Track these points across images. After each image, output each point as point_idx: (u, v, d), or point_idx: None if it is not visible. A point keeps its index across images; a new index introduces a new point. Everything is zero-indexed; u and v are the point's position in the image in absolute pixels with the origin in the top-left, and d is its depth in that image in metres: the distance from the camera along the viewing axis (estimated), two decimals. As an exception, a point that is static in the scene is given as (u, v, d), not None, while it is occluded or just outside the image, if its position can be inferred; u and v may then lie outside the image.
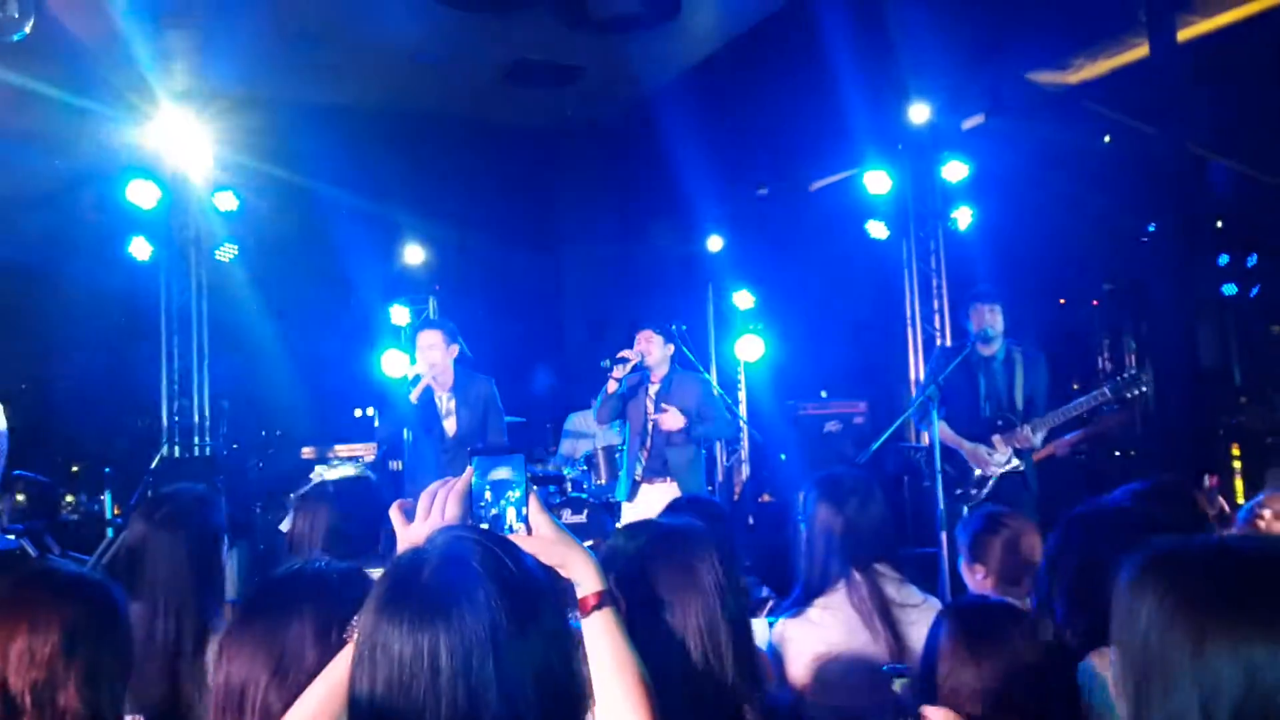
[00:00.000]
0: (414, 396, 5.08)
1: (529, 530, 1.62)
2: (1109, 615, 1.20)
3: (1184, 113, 6.83)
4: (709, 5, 7.59)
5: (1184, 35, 7.17)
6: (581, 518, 6.14)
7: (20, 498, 6.44)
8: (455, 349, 5.32)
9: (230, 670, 1.64)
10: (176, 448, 8.10)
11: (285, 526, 3.05)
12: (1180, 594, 1.11)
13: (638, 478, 5.40)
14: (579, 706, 1.39)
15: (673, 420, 5.28)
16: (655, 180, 9.16)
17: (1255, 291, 8.56)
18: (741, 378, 9.32)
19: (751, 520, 7.72)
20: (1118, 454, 8.62)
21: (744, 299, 8.81)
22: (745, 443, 9.06)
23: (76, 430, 8.45)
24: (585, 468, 6.58)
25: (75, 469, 8.47)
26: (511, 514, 1.65)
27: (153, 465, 7.17)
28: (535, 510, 1.62)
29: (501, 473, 1.67)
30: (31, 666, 1.72)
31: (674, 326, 5.75)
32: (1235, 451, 7.38)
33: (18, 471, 6.24)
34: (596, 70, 8.49)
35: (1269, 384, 8.77)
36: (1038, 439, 5.09)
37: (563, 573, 1.62)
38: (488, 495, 1.66)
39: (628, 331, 5.62)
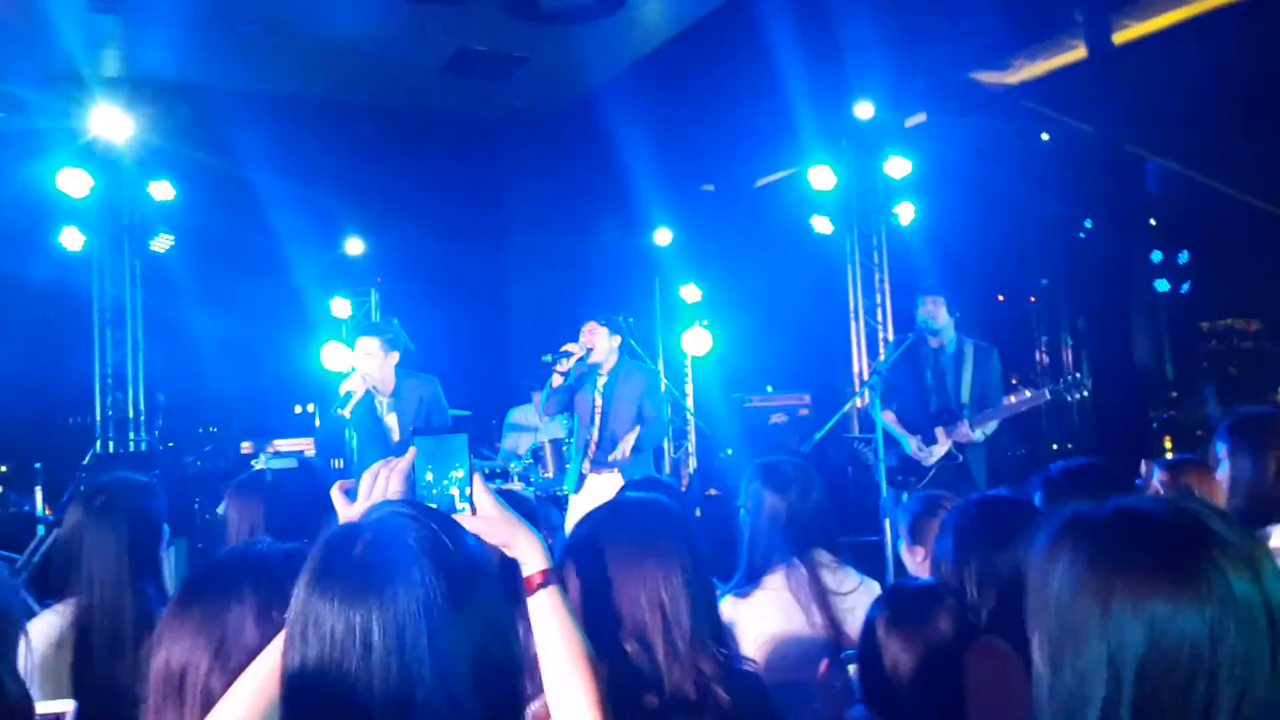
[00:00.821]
0: (346, 413, 4.99)
1: (473, 510, 1.60)
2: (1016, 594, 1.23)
3: (1119, 113, 6.99)
4: (655, 0, 7.59)
5: (1120, 38, 7.35)
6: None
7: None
8: (395, 355, 5.23)
9: (170, 654, 1.60)
10: (111, 443, 7.90)
11: (221, 510, 2.99)
12: (1087, 556, 1.15)
13: (585, 470, 5.37)
14: (516, 685, 1.37)
15: (623, 449, 5.22)
16: (601, 173, 9.14)
17: (1187, 288, 8.80)
18: (689, 371, 9.35)
19: (699, 512, 7.74)
20: (1055, 447, 8.82)
21: (690, 293, 8.84)
22: (692, 435, 9.09)
23: (5, 427, 8.19)
24: (531, 461, 6.54)
25: (3, 468, 8.22)
26: (455, 493, 1.63)
27: (85, 461, 6.98)
28: (479, 490, 1.60)
29: (444, 452, 1.64)
30: None
31: (621, 318, 5.72)
32: (1168, 444, 7.58)
33: None
34: (542, 61, 8.45)
35: (1199, 379, 9.03)
36: (978, 434, 5.17)
37: (508, 552, 1.61)
38: (430, 475, 1.64)
39: (573, 324, 5.58)
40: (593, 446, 5.35)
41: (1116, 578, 1.11)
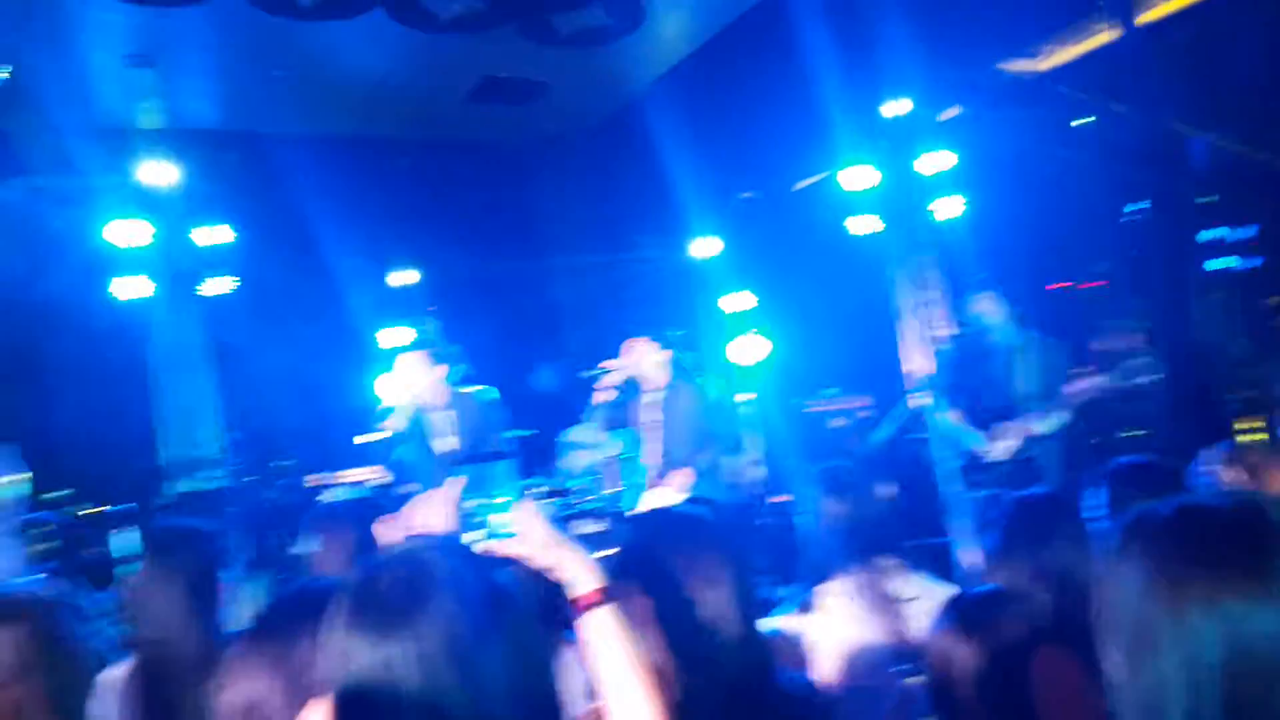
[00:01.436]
0: (391, 424, 5.03)
1: (519, 535, 1.62)
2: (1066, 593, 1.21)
3: (1155, 91, 6.85)
4: (675, 12, 7.61)
5: (1155, 14, 7.21)
6: (603, 525, 6.07)
7: (43, 543, 6.43)
8: (442, 369, 5.26)
9: (239, 691, 1.62)
10: (186, 483, 8.07)
11: (303, 549, 3.05)
12: (1155, 559, 1.13)
13: (650, 485, 5.36)
14: (552, 716, 1.37)
15: (679, 489, 5.15)
16: (639, 188, 9.17)
17: (1256, 263, 8.56)
18: (743, 380, 9.30)
19: (764, 521, 7.69)
20: (1132, 434, 8.59)
21: (739, 301, 8.80)
22: (753, 444, 9.03)
23: (82, 473, 8.42)
24: (594, 477, 6.56)
25: (84, 511, 8.45)
26: (501, 520, 1.64)
27: (164, 501, 7.15)
28: (526, 515, 1.61)
29: (489, 479, 1.66)
30: None
31: (670, 333, 5.71)
32: (1244, 425, 7.37)
33: (39, 514, 6.25)
34: (565, 84, 8.52)
35: (1269, 357, 8.77)
36: (1043, 426, 5.06)
37: (556, 575, 1.62)
38: (476, 502, 1.66)
39: (625, 340, 5.55)
40: (655, 460, 5.33)
41: (1187, 579, 1.09)
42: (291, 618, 1.68)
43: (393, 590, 1.28)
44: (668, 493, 5.21)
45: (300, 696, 1.54)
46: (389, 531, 1.73)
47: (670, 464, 5.26)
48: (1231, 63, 7.09)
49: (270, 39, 7.32)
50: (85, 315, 7.88)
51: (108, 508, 7.19)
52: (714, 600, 1.77)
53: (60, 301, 7.65)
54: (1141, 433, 7.74)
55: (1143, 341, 7.31)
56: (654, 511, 1.97)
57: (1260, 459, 2.64)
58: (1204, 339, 6.69)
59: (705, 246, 9.16)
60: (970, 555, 2.92)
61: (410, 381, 5.10)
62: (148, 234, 7.77)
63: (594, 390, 5.26)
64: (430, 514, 1.66)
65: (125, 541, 6.43)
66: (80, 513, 7.70)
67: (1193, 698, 1.06)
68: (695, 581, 1.76)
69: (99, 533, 6.83)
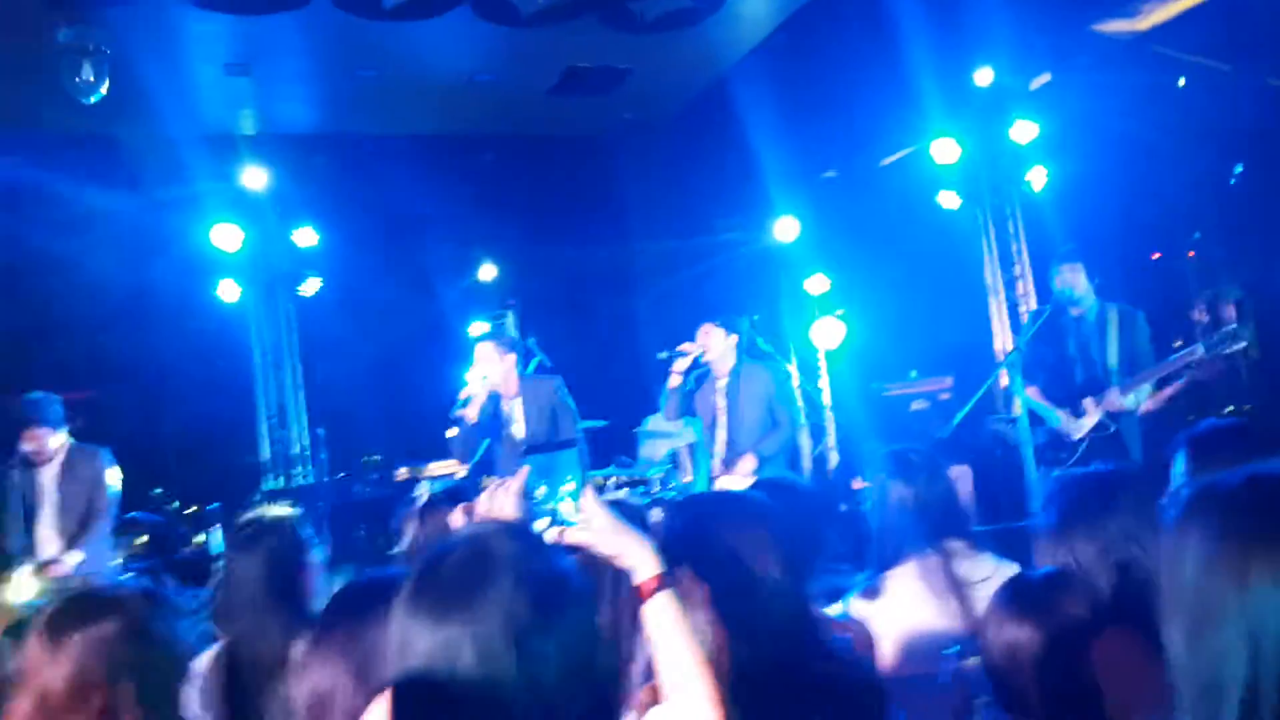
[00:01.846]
0: (468, 414, 5.18)
1: (585, 522, 1.66)
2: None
3: (1260, 48, 6.51)
4: (754, -9, 7.54)
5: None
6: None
7: (139, 540, 6.76)
8: (512, 357, 5.40)
9: (314, 681, 1.68)
10: (282, 478, 8.40)
11: (403, 545, 3.14)
12: (1221, 529, 1.09)
13: (715, 472, 5.36)
14: (612, 702, 1.40)
15: (745, 475, 5.10)
16: (720, 172, 9.12)
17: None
18: (822, 363, 9.21)
19: (844, 507, 7.61)
20: (1229, 409, 8.24)
21: (819, 283, 8.70)
22: (831, 430, 8.95)
23: (183, 470, 8.83)
24: (671, 466, 6.60)
25: (189, 509, 8.87)
26: (568, 506, 1.69)
27: (255, 498, 7.46)
28: (590, 502, 1.65)
29: (556, 467, 1.71)
30: (86, 689, 1.77)
31: (744, 318, 5.69)
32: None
33: (132, 514, 6.56)
34: (647, 70, 8.50)
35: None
36: (1129, 400, 4.90)
37: (620, 562, 1.66)
38: (543, 490, 1.70)
39: (697, 326, 5.58)
40: (720, 447, 5.34)
41: (1252, 550, 1.05)
42: (358, 608, 1.74)
43: (453, 573, 1.31)
44: (734, 479, 5.21)
45: (369, 685, 1.58)
46: (462, 521, 1.79)
47: (735, 450, 5.26)
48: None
49: (356, 41, 7.51)
50: (190, 317, 8.26)
51: (205, 506, 7.52)
52: (762, 579, 1.78)
53: (166, 304, 8.02)
54: (1236, 407, 7.41)
55: (1236, 312, 6.99)
56: (695, 495, 1.99)
57: None
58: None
59: (787, 228, 9.07)
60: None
61: (485, 370, 5.24)
62: (243, 238, 8.08)
63: (670, 373, 5.29)
64: (499, 502, 1.71)
65: (219, 538, 6.72)
66: (181, 510, 8.09)
67: (1253, 671, 1.02)
68: (742, 561, 1.77)
69: (196, 530, 7.17)
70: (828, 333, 8.56)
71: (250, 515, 2.80)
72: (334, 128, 8.97)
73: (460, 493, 3.12)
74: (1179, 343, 8.31)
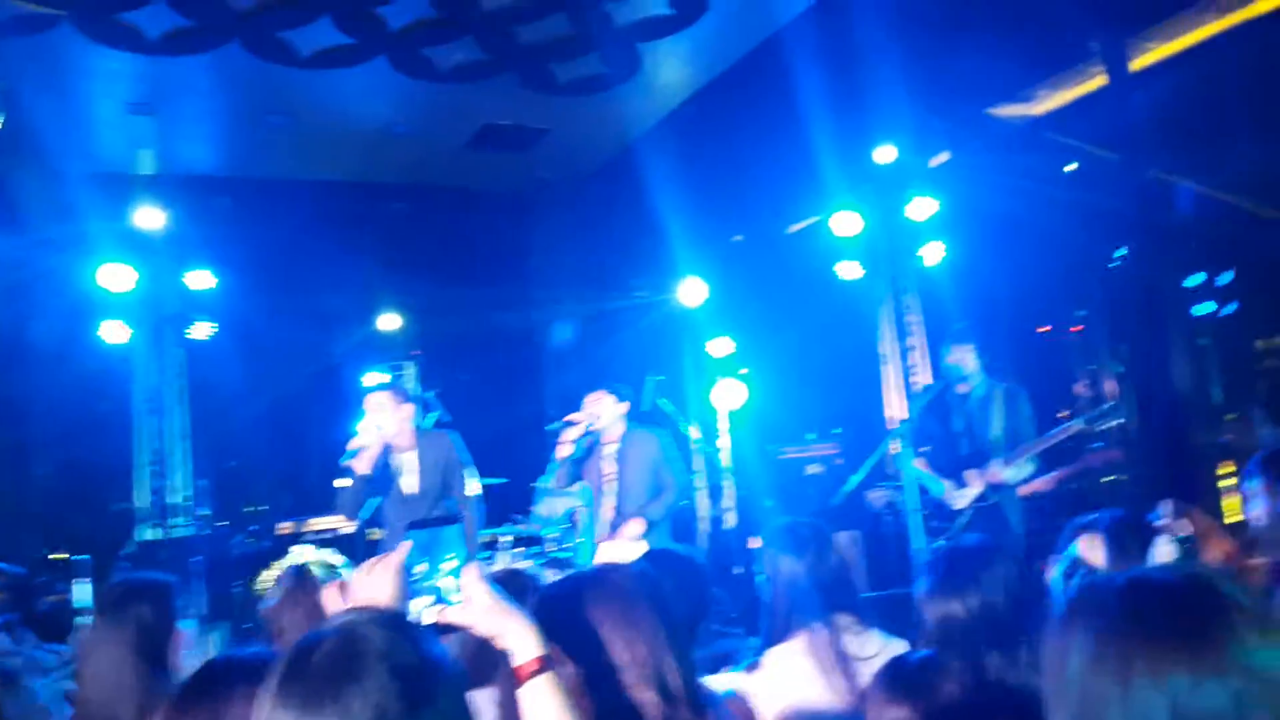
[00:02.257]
0: (358, 466, 5.01)
1: (466, 602, 1.61)
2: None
3: (1143, 138, 6.91)
4: (670, 60, 7.70)
5: (1139, 63, 7.28)
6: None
7: (-3, 593, 6.37)
8: (410, 407, 5.26)
9: None
10: (155, 530, 8.06)
11: (266, 610, 3.03)
12: (1103, 631, 1.13)
13: (600, 537, 5.34)
14: None
15: (631, 539, 5.14)
16: (630, 233, 9.22)
17: (1232, 309, 8.58)
18: (722, 425, 9.29)
19: (740, 569, 7.65)
20: (1107, 480, 8.58)
21: (723, 346, 8.81)
22: (729, 490, 9.01)
23: (55, 517, 8.40)
24: (569, 525, 6.54)
25: (58, 557, 8.42)
26: (448, 586, 1.64)
27: (126, 550, 7.11)
28: (472, 580, 1.62)
29: (438, 543, 1.66)
30: None
31: (649, 378, 5.74)
32: (1227, 469, 7.34)
33: None
34: (564, 130, 8.60)
35: (1254, 400, 8.76)
36: (1010, 473, 5.07)
37: (500, 642, 1.62)
38: (423, 567, 1.65)
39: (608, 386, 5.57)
40: (608, 513, 5.32)
41: (1135, 652, 1.09)
42: (218, 688, 1.67)
43: (324, 663, 1.27)
44: (621, 545, 5.20)
45: None
46: (336, 600, 1.72)
47: (623, 516, 5.25)
48: (1215, 111, 7.15)
49: (269, 86, 7.42)
50: (70, 359, 7.91)
51: (70, 556, 7.14)
52: (640, 661, 1.75)
53: (44, 344, 7.67)
54: (1117, 478, 7.73)
55: (1117, 387, 7.31)
56: (571, 576, 1.96)
57: (1205, 525, 2.62)
58: (1183, 385, 6.69)
59: (693, 291, 9.19)
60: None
61: (379, 420, 5.08)
62: (136, 279, 7.82)
63: (558, 444, 5.24)
64: (376, 581, 1.66)
65: (85, 592, 6.38)
66: (47, 559, 7.66)
67: None
68: (618, 643, 1.74)
69: (64, 580, 6.80)
70: (729, 395, 8.65)
71: (117, 580, 2.68)
72: (239, 171, 8.80)
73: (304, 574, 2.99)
74: (1065, 413, 8.66)
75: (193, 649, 2.71)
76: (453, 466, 5.21)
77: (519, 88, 7.76)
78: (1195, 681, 1.05)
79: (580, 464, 5.35)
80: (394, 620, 1.37)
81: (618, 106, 8.21)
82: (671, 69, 7.88)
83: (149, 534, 7.90)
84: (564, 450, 5.25)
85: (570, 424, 5.24)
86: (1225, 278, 8.32)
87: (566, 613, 1.78)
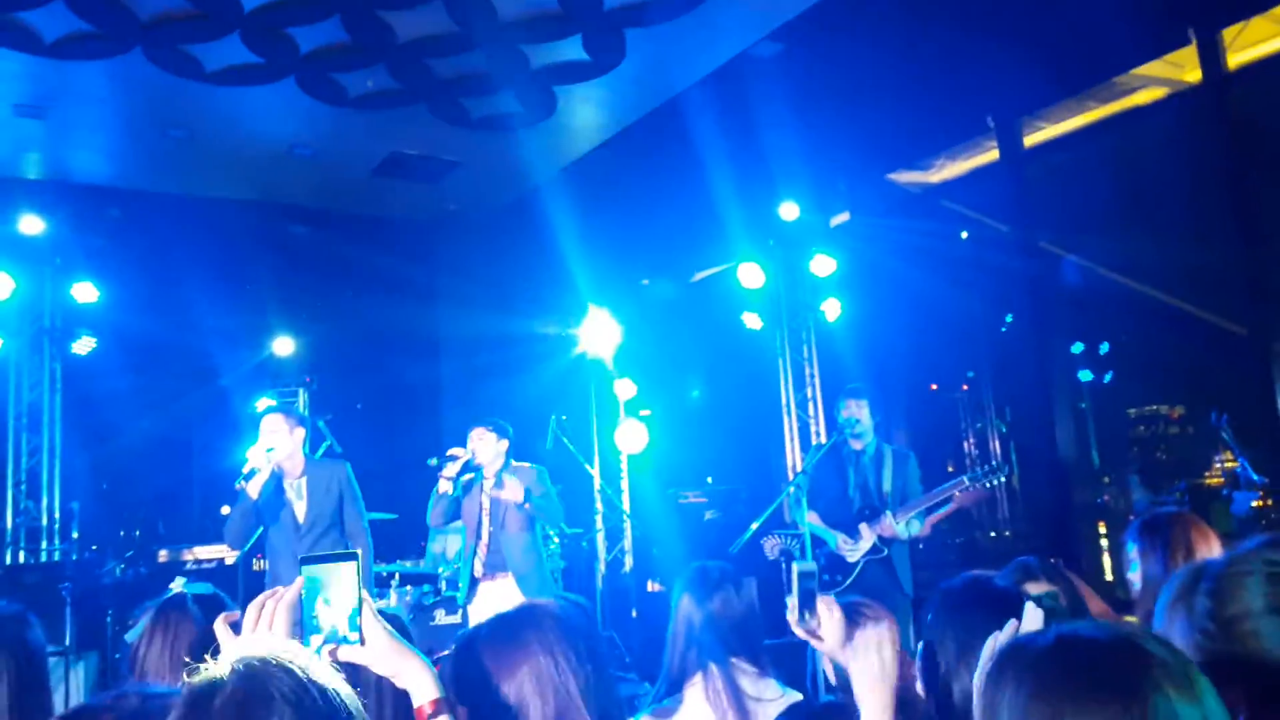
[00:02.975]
0: (250, 489, 4.84)
1: (362, 640, 1.56)
2: None
3: (1033, 212, 7.27)
4: (585, 105, 7.78)
5: (1032, 140, 7.68)
6: (456, 618, 5.95)
7: None
8: (301, 431, 5.12)
9: None
10: (22, 553, 7.59)
11: (131, 637, 2.86)
12: (1032, 687, 1.15)
13: (477, 575, 5.26)
14: None
15: (512, 491, 5.17)
16: (536, 272, 9.21)
17: (1109, 377, 9.05)
18: (624, 467, 9.29)
19: (635, 613, 7.61)
20: (992, 535, 8.90)
21: (626, 388, 8.84)
22: (629, 533, 8.99)
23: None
24: (459, 564, 6.41)
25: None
26: (344, 624, 1.58)
27: (-11, 575, 6.69)
28: (369, 619, 1.57)
29: (333, 581, 1.60)
30: None
31: (554, 417, 5.71)
32: (1102, 529, 7.68)
33: None
34: (474, 165, 8.57)
35: (1127, 465, 9.21)
36: (901, 527, 5.20)
37: (397, 682, 1.58)
38: (320, 604, 1.60)
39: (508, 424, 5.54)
40: (483, 550, 5.24)
41: (1063, 707, 1.11)
42: None
43: (226, 710, 1.21)
44: (502, 583, 5.17)
45: None
46: (226, 634, 1.65)
47: (496, 553, 5.23)
48: (1098, 191, 7.59)
49: (170, 98, 7.18)
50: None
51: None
52: (551, 703, 1.73)
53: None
54: (1006, 534, 8.03)
55: (1000, 444, 7.59)
56: (469, 633, 1.93)
57: (1079, 585, 2.73)
58: (1065, 446, 7.00)
59: (599, 331, 9.20)
60: (826, 661, 2.92)
61: (272, 443, 4.92)
62: (13, 288, 7.43)
63: (440, 478, 5.16)
64: (270, 618, 1.60)
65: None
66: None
67: None
68: (528, 686, 1.72)
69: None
70: (631, 436, 8.66)
71: None
72: (132, 183, 8.48)
73: (209, 601, 2.86)
74: (951, 467, 8.95)
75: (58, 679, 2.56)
76: (346, 497, 5.06)
77: (430, 119, 7.71)
78: None
79: (458, 502, 5.25)
80: (295, 660, 1.32)
81: (530, 145, 8.23)
82: (585, 114, 7.95)
83: (15, 558, 7.44)
84: (444, 486, 5.15)
85: (451, 459, 5.14)
86: (1104, 348, 8.79)
87: (465, 662, 1.76)
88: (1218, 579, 1.78)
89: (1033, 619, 2.05)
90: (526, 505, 5.16)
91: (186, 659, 2.46)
